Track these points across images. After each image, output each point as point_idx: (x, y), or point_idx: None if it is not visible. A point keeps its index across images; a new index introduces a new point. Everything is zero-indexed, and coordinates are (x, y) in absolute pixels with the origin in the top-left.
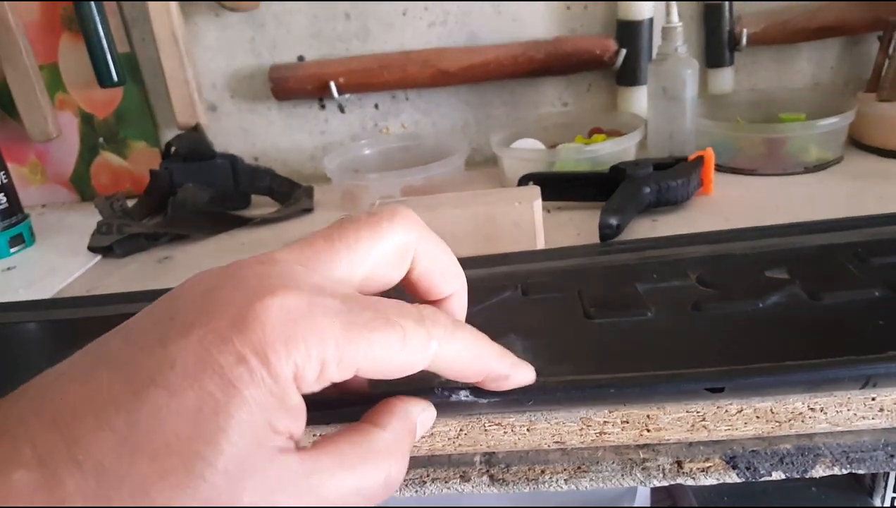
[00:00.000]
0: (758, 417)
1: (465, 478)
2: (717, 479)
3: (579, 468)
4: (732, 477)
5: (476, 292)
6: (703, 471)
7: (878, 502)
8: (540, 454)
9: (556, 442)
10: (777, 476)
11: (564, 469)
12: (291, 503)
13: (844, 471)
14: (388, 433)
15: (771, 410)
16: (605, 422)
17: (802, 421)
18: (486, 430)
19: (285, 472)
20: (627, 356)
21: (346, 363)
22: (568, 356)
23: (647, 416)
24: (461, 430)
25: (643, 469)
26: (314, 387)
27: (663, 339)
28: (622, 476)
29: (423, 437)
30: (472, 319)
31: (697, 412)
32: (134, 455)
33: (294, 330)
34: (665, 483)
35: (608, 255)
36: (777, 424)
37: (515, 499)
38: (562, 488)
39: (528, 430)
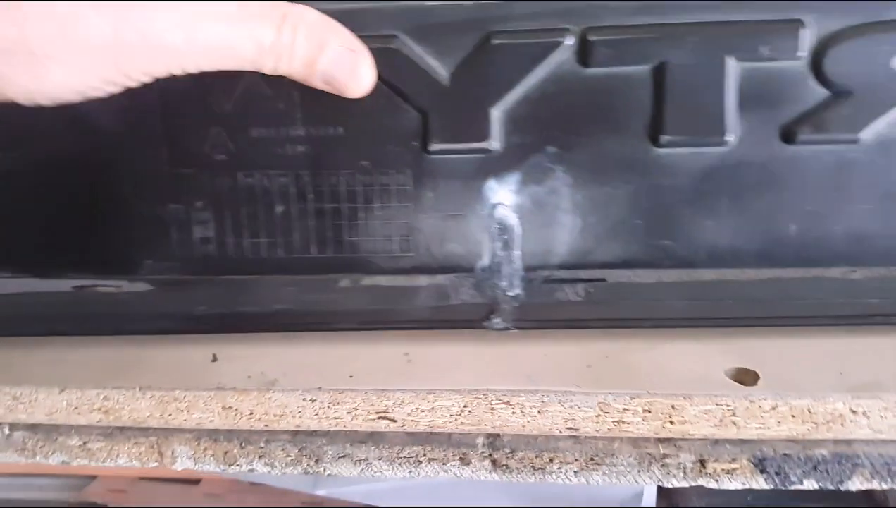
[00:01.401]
0: (793, 416)
1: (464, 461)
2: (743, 483)
3: (592, 459)
4: (759, 483)
5: None
6: (727, 473)
7: None
8: (550, 440)
9: (569, 428)
10: (809, 484)
11: (575, 460)
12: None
13: (885, 486)
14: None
15: (808, 409)
16: (624, 409)
17: (842, 424)
18: (492, 408)
19: None
20: None
21: None
22: None
23: (672, 406)
24: (465, 406)
25: (662, 465)
26: None
27: None
28: (639, 472)
29: (421, 410)
30: None
31: (727, 407)
32: None
33: None
34: (685, 484)
35: None
36: (814, 426)
37: (513, 497)
38: (570, 480)
39: (538, 412)
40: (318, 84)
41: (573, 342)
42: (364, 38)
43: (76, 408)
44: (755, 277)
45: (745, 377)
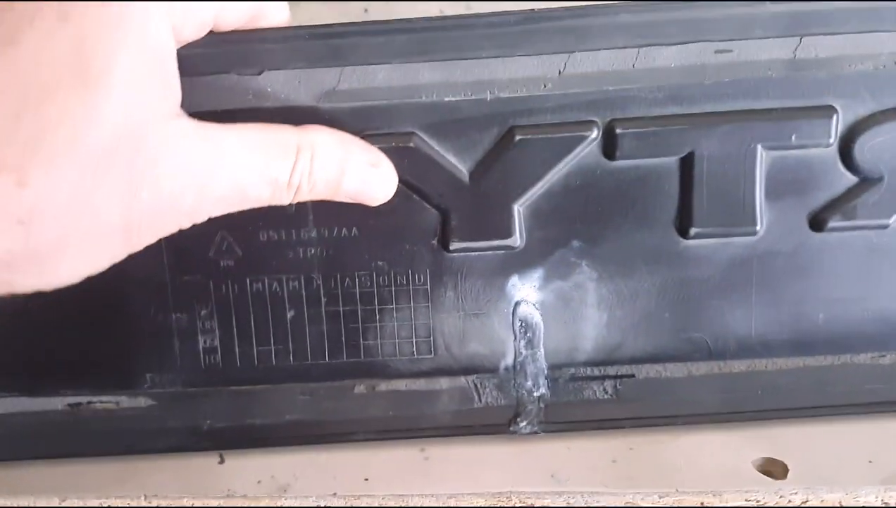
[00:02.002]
0: None
1: None
2: None
3: None
4: None
5: None
6: None
7: None
8: None
9: None
10: None
11: None
12: (186, 167)
13: None
14: (311, 134)
15: (840, 504)
16: None
17: None
18: None
19: (180, 131)
20: None
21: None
22: None
23: (702, 504)
24: None
25: None
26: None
27: None
28: None
29: None
30: None
31: (757, 502)
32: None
33: None
34: None
35: None
36: None
37: None
38: None
39: None
40: (342, 199)
41: (596, 434)
42: (381, 136)
43: None
44: (785, 366)
45: (774, 469)
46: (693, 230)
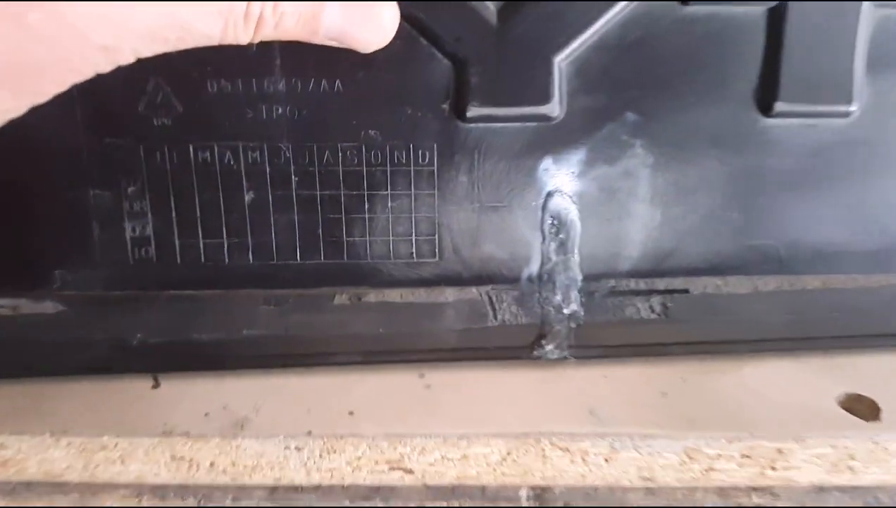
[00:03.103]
0: None
1: None
2: None
3: None
4: None
5: None
6: None
7: None
8: (615, 492)
9: (643, 478)
10: None
11: None
12: None
13: None
14: None
15: None
16: (718, 455)
17: None
18: (544, 455)
19: None
20: None
21: None
22: None
23: (779, 451)
24: (508, 454)
25: None
26: None
27: None
28: None
29: (448, 459)
30: None
31: (846, 448)
32: None
33: None
34: None
35: None
36: None
37: None
38: None
39: (605, 460)
40: (322, 42)
41: (640, 362)
42: None
43: None
44: (868, 284)
45: (860, 408)
46: (778, 106)
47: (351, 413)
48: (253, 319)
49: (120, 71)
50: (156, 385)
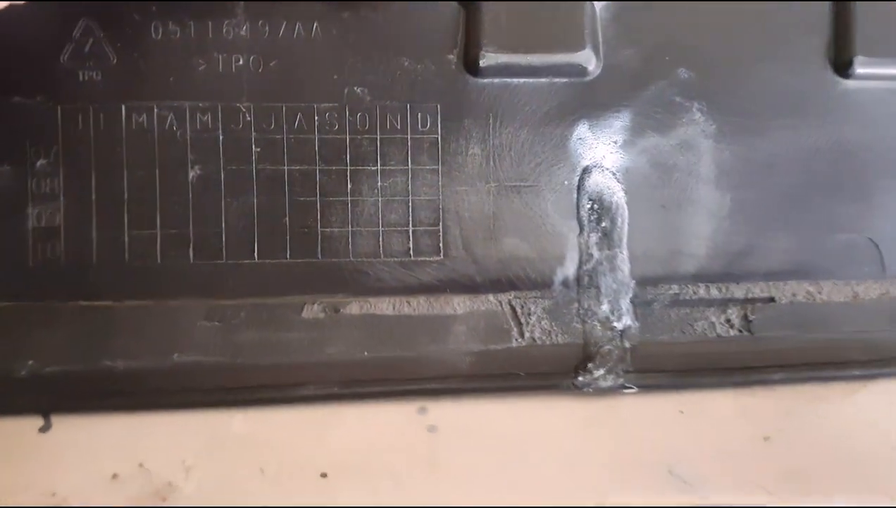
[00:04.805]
0: None
1: None
2: None
3: None
4: None
5: None
6: None
7: None
8: None
9: None
10: None
11: None
12: None
13: None
14: None
15: None
16: None
17: None
18: None
19: None
20: None
21: None
22: None
23: None
24: None
25: None
26: None
27: None
28: None
29: None
30: None
31: None
32: None
33: None
34: None
35: None
36: None
37: None
38: None
39: None
40: None
41: (724, 388)
42: None
43: None
44: None
45: None
46: (859, 60)
47: (324, 476)
48: (188, 340)
49: (40, 10)
50: (45, 427)
